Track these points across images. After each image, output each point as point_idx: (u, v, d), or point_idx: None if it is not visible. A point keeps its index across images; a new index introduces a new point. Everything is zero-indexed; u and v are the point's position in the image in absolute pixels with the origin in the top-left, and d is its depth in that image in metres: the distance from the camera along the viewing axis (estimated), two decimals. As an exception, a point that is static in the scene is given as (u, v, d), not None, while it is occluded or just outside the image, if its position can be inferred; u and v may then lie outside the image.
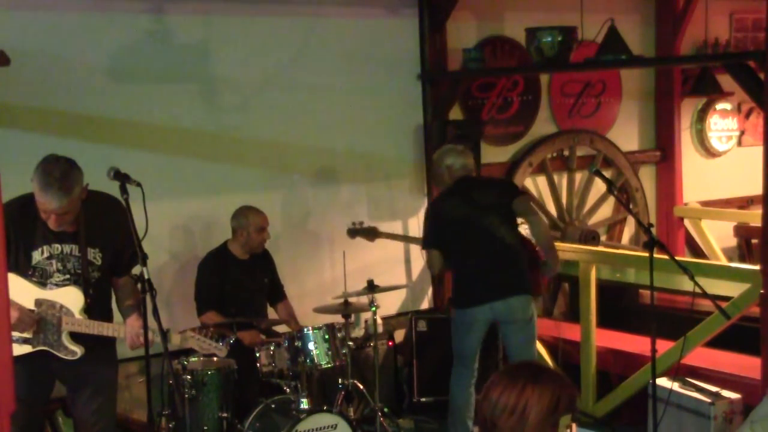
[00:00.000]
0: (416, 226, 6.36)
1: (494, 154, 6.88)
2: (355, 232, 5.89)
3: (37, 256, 3.80)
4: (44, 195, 3.64)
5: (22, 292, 3.74)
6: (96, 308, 3.87)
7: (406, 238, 5.94)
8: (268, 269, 5.52)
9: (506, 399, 2.45)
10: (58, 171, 3.65)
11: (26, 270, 3.78)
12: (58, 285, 3.81)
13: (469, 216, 5.08)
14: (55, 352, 3.80)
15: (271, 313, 5.59)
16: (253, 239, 5.34)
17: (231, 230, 5.39)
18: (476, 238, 5.07)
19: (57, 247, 3.81)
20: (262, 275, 5.46)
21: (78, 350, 3.82)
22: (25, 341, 3.75)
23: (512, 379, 2.49)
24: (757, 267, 5.00)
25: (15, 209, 3.74)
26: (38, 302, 3.77)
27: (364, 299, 5.43)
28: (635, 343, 5.79)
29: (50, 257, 3.81)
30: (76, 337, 3.82)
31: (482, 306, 5.03)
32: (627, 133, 7.63)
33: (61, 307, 3.78)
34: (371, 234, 5.89)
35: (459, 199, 5.16)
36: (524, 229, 5.37)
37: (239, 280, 5.33)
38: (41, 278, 3.81)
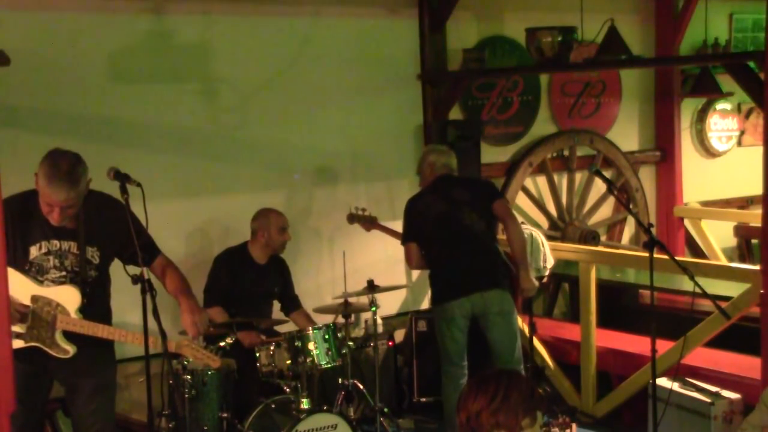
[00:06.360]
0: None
1: (494, 154, 6.89)
2: (354, 217, 5.89)
3: (34, 251, 3.79)
4: (51, 186, 3.65)
5: (19, 286, 3.74)
6: (92, 308, 3.85)
7: (398, 234, 5.94)
8: (280, 278, 5.51)
9: (484, 394, 2.49)
10: (66, 164, 3.66)
11: (23, 264, 3.78)
12: (54, 282, 3.81)
13: (447, 212, 5.17)
14: (47, 350, 3.79)
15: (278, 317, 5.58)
16: (274, 240, 5.35)
17: (251, 232, 5.39)
18: (453, 233, 5.14)
19: (55, 243, 3.81)
20: (273, 283, 5.46)
21: (70, 349, 3.81)
22: (17, 336, 3.73)
23: (484, 381, 2.54)
24: (757, 267, 5.01)
25: (16, 204, 3.76)
26: (34, 298, 3.77)
27: (364, 299, 5.43)
28: (635, 343, 5.78)
29: (48, 253, 3.80)
30: (70, 336, 3.81)
31: (460, 299, 5.09)
32: (627, 133, 7.63)
33: (57, 305, 3.78)
34: (369, 222, 5.89)
35: (437, 196, 5.25)
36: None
37: (249, 284, 5.33)
38: (37, 273, 3.80)
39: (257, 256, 5.39)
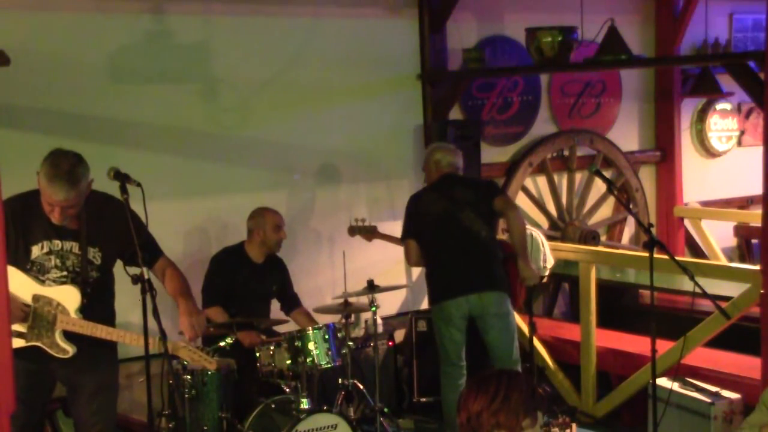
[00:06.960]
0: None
1: (494, 154, 6.89)
2: (355, 230, 5.89)
3: (36, 250, 3.80)
4: (51, 186, 3.66)
5: (21, 285, 3.75)
6: (93, 309, 3.85)
7: (399, 240, 5.95)
8: (278, 277, 5.51)
9: (484, 395, 2.50)
10: (67, 164, 3.68)
11: (25, 264, 3.79)
12: (55, 281, 3.81)
13: (447, 211, 5.17)
14: (47, 349, 3.80)
15: (277, 317, 5.58)
16: (270, 238, 5.35)
17: (247, 231, 5.39)
18: (453, 233, 5.14)
19: (57, 243, 3.81)
20: (271, 282, 5.46)
21: (70, 349, 3.81)
22: (19, 335, 3.74)
23: (484, 381, 2.54)
24: (757, 267, 5.01)
25: (18, 203, 3.78)
26: (35, 298, 3.78)
27: (364, 299, 5.43)
28: (635, 343, 5.79)
29: (49, 253, 3.81)
30: (72, 336, 3.81)
31: (457, 299, 5.09)
32: (627, 133, 7.64)
33: (58, 304, 3.79)
34: (369, 233, 5.90)
35: (439, 194, 5.26)
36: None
37: (248, 283, 5.33)
38: (39, 273, 3.81)
39: (254, 255, 5.39)
